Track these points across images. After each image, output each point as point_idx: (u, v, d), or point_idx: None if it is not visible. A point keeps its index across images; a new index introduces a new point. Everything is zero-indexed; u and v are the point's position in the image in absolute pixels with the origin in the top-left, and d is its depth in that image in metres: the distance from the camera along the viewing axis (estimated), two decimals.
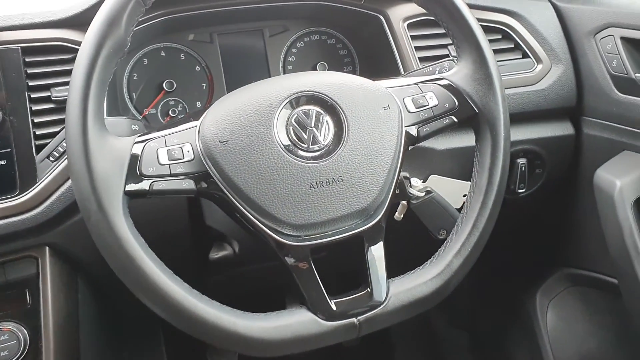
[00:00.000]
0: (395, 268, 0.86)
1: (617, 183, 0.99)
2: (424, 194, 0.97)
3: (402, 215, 0.99)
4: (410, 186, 0.97)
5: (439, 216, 0.97)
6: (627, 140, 1.05)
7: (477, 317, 1.62)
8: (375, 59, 1.17)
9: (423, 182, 1.02)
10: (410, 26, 1.11)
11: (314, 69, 1.17)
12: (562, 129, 1.15)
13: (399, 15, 1.11)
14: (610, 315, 1.21)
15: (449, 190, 1.05)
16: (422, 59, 1.10)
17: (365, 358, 1.71)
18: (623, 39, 1.02)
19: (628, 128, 1.04)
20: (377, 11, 1.12)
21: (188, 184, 0.74)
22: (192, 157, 0.74)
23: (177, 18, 1.08)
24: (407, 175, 0.98)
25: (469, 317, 1.64)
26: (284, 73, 1.17)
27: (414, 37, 1.11)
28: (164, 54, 1.12)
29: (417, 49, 1.10)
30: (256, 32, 1.17)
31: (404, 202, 0.98)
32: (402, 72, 1.10)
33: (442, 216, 0.97)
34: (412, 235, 1.00)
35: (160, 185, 0.73)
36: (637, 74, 1.00)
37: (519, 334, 1.42)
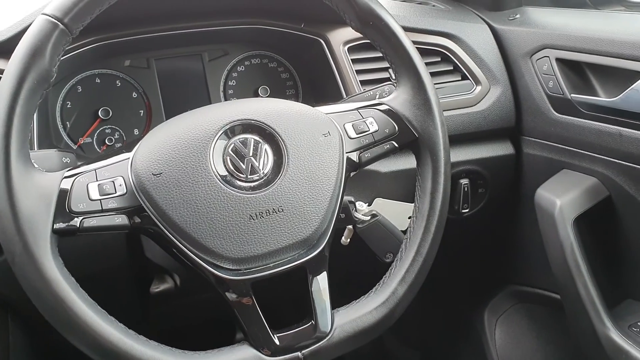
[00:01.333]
0: (345, 291, 0.84)
1: (557, 202, 1.01)
2: (369, 217, 0.95)
3: (348, 240, 0.98)
4: (356, 210, 0.95)
5: (385, 239, 0.96)
6: (566, 159, 1.07)
7: (428, 336, 1.62)
8: (318, 82, 1.17)
9: (368, 205, 1.01)
10: (351, 50, 1.11)
11: (256, 93, 1.16)
12: (502, 149, 1.17)
13: (340, 39, 1.11)
14: (556, 331, 1.23)
15: (395, 212, 1.05)
16: (363, 82, 1.10)
17: None
18: (558, 60, 1.04)
19: (566, 147, 1.06)
20: (317, 35, 1.11)
21: (121, 220, 0.71)
22: (125, 191, 0.71)
23: (112, 44, 1.05)
24: (352, 200, 0.97)
25: (421, 336, 1.64)
26: (225, 98, 1.15)
27: (355, 61, 1.11)
28: (98, 81, 1.09)
29: (359, 72, 1.10)
30: (195, 56, 1.15)
31: (350, 227, 0.97)
32: (345, 96, 1.09)
33: (388, 239, 0.96)
34: (360, 259, 0.99)
35: (92, 222, 0.69)
36: (572, 95, 1.02)
37: (469, 351, 1.42)
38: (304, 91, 1.19)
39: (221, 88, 1.15)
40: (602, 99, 0.98)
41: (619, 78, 0.95)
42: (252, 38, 1.16)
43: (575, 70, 1.03)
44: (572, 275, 0.98)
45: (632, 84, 0.92)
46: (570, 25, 1.05)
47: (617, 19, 1.12)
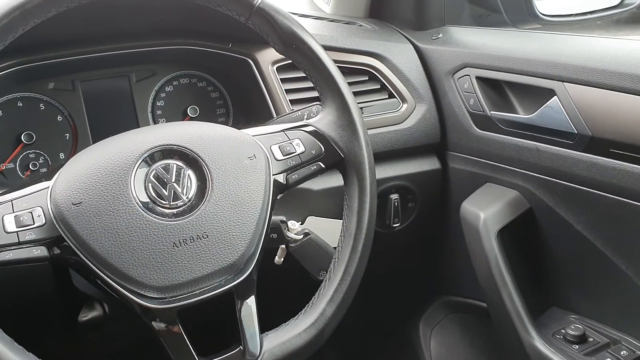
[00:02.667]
0: (279, 312, 0.84)
1: (481, 215, 1.04)
2: (301, 236, 0.96)
3: (282, 259, 0.98)
4: (288, 230, 0.96)
5: (318, 258, 0.97)
6: (489, 173, 1.11)
7: (368, 349, 1.63)
8: (248, 102, 1.17)
9: (301, 224, 1.01)
10: (280, 69, 1.12)
11: (185, 113, 1.15)
12: (429, 164, 1.20)
13: (268, 59, 1.11)
14: (488, 340, 1.26)
15: (327, 230, 1.05)
16: (293, 102, 1.11)
17: None
18: (478, 78, 1.08)
19: (488, 162, 1.10)
20: (246, 55, 1.12)
21: (40, 252, 0.69)
22: (44, 222, 0.70)
23: (34, 67, 1.02)
24: (284, 219, 0.97)
25: (361, 350, 1.65)
26: (153, 119, 1.14)
27: (284, 80, 1.11)
28: (21, 105, 1.06)
29: (288, 91, 1.11)
30: (122, 77, 1.13)
31: (283, 246, 0.97)
32: (275, 115, 1.10)
33: (321, 257, 0.97)
34: (294, 278, 1.00)
35: (7, 255, 0.68)
36: (492, 112, 1.06)
37: None
38: (235, 110, 1.19)
39: (149, 109, 1.14)
40: (520, 115, 1.02)
41: (535, 96, 0.99)
42: (180, 58, 1.15)
43: (494, 88, 1.07)
44: (497, 285, 1.01)
45: (547, 102, 0.96)
46: (488, 45, 1.10)
47: (533, 38, 1.17)
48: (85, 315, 0.98)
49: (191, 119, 1.14)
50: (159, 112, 1.14)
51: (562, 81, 0.93)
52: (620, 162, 0.87)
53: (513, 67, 1.02)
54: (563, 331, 1.01)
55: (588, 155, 0.91)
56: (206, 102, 1.18)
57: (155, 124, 1.13)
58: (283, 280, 1.08)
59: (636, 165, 0.85)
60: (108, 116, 1.12)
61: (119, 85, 1.13)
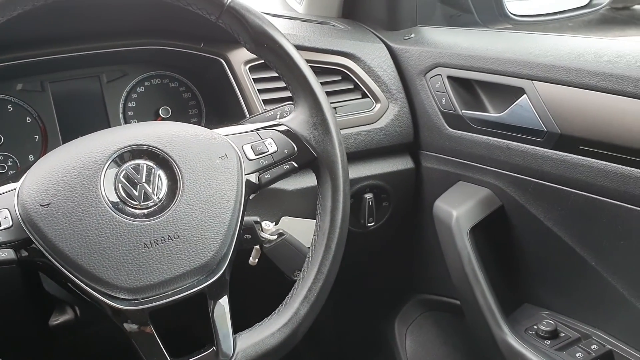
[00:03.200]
0: (253, 313, 0.84)
1: (454, 213, 1.05)
2: (276, 237, 0.96)
3: (256, 260, 0.98)
4: (262, 230, 0.96)
5: (292, 258, 0.97)
6: (461, 171, 1.12)
7: (346, 350, 1.64)
8: (221, 102, 1.16)
9: (275, 224, 1.01)
10: (252, 69, 1.11)
11: (157, 114, 1.14)
12: (403, 163, 1.20)
13: (240, 59, 1.11)
14: (462, 337, 1.27)
15: (302, 230, 1.05)
16: (266, 101, 1.10)
17: None
18: (449, 77, 1.09)
19: (460, 160, 1.11)
20: (218, 55, 1.11)
21: (7, 254, 0.68)
22: (11, 224, 0.69)
23: (1, 68, 1.00)
24: (258, 220, 0.97)
25: (339, 351, 1.65)
26: (124, 120, 1.12)
27: (256, 80, 1.11)
28: None
29: (261, 91, 1.11)
30: (92, 78, 1.12)
31: (257, 247, 0.96)
32: (248, 115, 1.09)
33: (295, 258, 0.97)
34: (269, 279, 0.99)
35: None
36: (463, 111, 1.07)
37: None
38: (208, 111, 1.19)
39: (120, 110, 1.13)
40: (490, 114, 1.03)
41: (505, 94, 1.00)
42: (151, 58, 1.14)
43: (466, 88, 1.08)
44: (470, 283, 1.02)
45: (516, 100, 0.97)
46: (459, 44, 1.11)
47: (503, 38, 1.18)
48: (57, 319, 0.96)
49: (163, 119, 1.14)
50: (130, 113, 1.13)
51: (532, 80, 0.94)
52: (588, 158, 0.89)
53: (483, 66, 1.03)
54: (535, 327, 1.02)
55: (557, 152, 0.93)
56: (178, 102, 1.17)
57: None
58: (258, 281, 1.08)
59: (604, 162, 0.87)
60: (78, 117, 1.10)
61: (89, 86, 1.11)
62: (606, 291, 0.95)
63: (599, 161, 0.87)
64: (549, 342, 1.00)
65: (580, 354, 0.96)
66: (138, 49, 1.10)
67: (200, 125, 0.85)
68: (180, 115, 1.16)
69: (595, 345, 0.98)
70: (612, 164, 0.86)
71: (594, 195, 0.90)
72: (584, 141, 0.89)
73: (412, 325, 1.38)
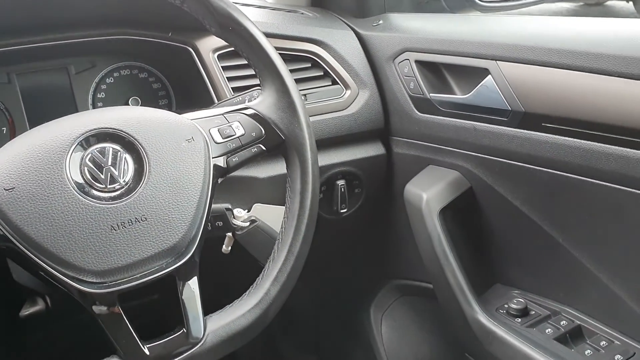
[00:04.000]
0: (227, 300, 0.84)
1: (424, 196, 1.06)
2: (248, 223, 0.96)
3: (229, 248, 0.98)
4: (234, 217, 0.96)
5: (265, 244, 0.96)
6: (431, 155, 1.13)
7: (322, 339, 1.64)
8: (190, 91, 1.16)
9: (247, 211, 1.01)
10: (221, 57, 1.11)
11: (127, 105, 1.13)
12: (374, 149, 1.21)
13: (209, 47, 1.11)
14: (436, 321, 1.29)
15: (274, 216, 1.05)
16: (235, 89, 1.10)
17: None
18: (417, 62, 1.10)
19: (430, 144, 1.12)
20: (186, 43, 1.11)
21: None
22: None
23: None
24: (229, 207, 0.97)
25: (315, 340, 1.66)
26: None
27: (225, 68, 1.11)
28: None
29: (230, 79, 1.11)
30: (60, 69, 1.11)
31: (230, 234, 0.97)
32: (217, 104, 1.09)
33: (268, 244, 0.96)
34: (243, 266, 1.00)
35: None
36: (431, 94, 1.08)
37: (358, 349, 1.46)
38: (177, 100, 1.18)
39: (90, 101, 1.12)
40: (457, 96, 1.05)
41: (470, 76, 1.02)
42: (120, 49, 1.14)
43: (433, 71, 1.10)
44: (441, 264, 1.03)
45: (481, 81, 0.99)
46: (426, 29, 1.12)
47: (468, 21, 1.20)
48: (27, 310, 0.96)
49: None
50: (100, 104, 1.13)
51: (496, 60, 0.96)
52: (552, 135, 0.90)
53: (449, 49, 1.04)
54: (506, 306, 1.04)
55: (522, 131, 0.94)
56: (148, 92, 1.16)
57: None
58: (232, 269, 1.08)
59: (567, 138, 0.88)
60: (47, 110, 1.09)
61: (57, 77, 1.11)
62: (574, 268, 0.96)
63: (562, 137, 0.89)
64: (519, 320, 1.01)
65: (549, 330, 0.98)
66: (106, 39, 1.10)
67: None
68: (150, 105, 1.13)
69: (564, 321, 0.99)
70: (576, 140, 0.87)
71: (558, 172, 0.91)
72: (547, 118, 0.90)
73: (388, 311, 1.39)
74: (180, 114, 0.84)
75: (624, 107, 0.81)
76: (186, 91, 1.17)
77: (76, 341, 1.16)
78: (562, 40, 0.89)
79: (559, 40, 0.89)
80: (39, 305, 0.96)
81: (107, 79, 1.14)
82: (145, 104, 1.14)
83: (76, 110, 1.11)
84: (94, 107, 1.12)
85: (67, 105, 1.11)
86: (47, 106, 1.09)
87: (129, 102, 1.13)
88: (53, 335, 1.11)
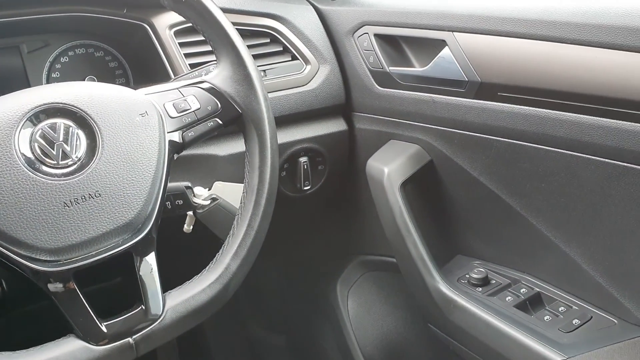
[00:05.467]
0: (188, 276, 0.83)
1: (385, 170, 1.07)
2: (209, 202, 0.95)
3: (191, 227, 0.97)
4: (195, 196, 0.95)
5: (227, 222, 0.95)
6: (392, 130, 1.13)
7: (290, 318, 1.65)
8: (148, 69, 1.14)
9: (208, 190, 1.00)
10: (178, 33, 1.10)
11: None
12: (336, 125, 1.21)
13: (165, 23, 1.09)
14: (401, 294, 1.30)
15: (236, 194, 1.04)
16: (193, 66, 1.08)
17: None
18: (376, 35, 1.10)
19: (391, 119, 1.13)
20: (142, 20, 1.09)
21: None
22: None
23: None
24: (189, 185, 0.96)
25: (284, 319, 1.67)
26: None
27: (182, 44, 1.10)
28: None
29: (187, 55, 1.09)
30: (12, 49, 1.08)
31: (191, 213, 0.96)
32: None
33: (230, 222, 0.95)
34: (205, 244, 0.99)
35: None
36: (390, 68, 1.08)
37: (326, 326, 1.47)
38: (135, 79, 1.16)
39: (44, 82, 1.09)
40: (416, 69, 1.05)
41: (428, 48, 1.02)
42: (74, 27, 1.11)
43: (391, 44, 1.10)
44: (403, 237, 1.04)
45: (439, 53, 0.99)
46: (384, 2, 1.12)
47: None
48: None
49: None
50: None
51: (452, 31, 0.96)
52: (508, 104, 0.91)
53: (407, 21, 1.04)
54: (467, 276, 1.05)
55: (479, 101, 0.95)
56: (104, 71, 1.14)
57: None
58: (194, 248, 1.07)
59: (522, 107, 0.90)
60: None
61: (9, 57, 1.08)
62: (532, 236, 0.98)
63: (517, 106, 0.90)
64: (480, 289, 1.03)
65: (510, 297, 1.00)
66: (59, 16, 1.07)
67: None
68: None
69: (524, 289, 1.01)
70: (531, 108, 0.89)
71: (515, 141, 0.92)
72: (503, 87, 0.91)
73: (354, 287, 1.40)
74: (135, 89, 0.82)
75: (577, 74, 0.82)
76: (143, 69, 1.16)
77: (36, 326, 1.14)
78: (516, 9, 0.89)
79: (513, 9, 0.90)
80: None
81: (62, 58, 1.11)
82: (101, 82, 1.12)
83: None
84: None
85: (20, 86, 1.05)
86: None
87: (85, 81, 1.11)
88: (13, 320, 1.09)
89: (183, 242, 0.98)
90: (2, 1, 1.02)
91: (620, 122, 0.79)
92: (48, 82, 1.10)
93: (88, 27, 1.11)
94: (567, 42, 0.82)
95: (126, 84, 1.16)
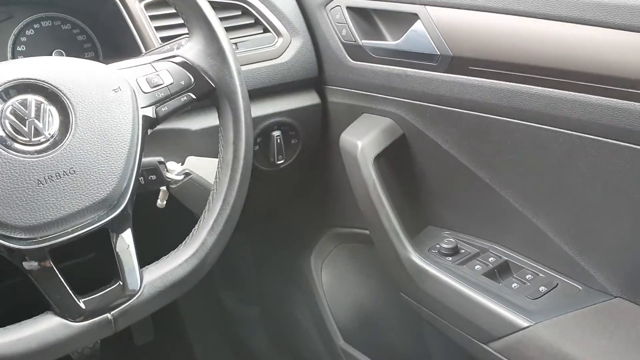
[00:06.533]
0: (164, 250, 0.84)
1: (359, 144, 1.08)
2: (182, 177, 0.96)
3: (164, 202, 0.97)
4: (167, 171, 0.95)
5: (200, 197, 0.96)
6: (365, 103, 1.14)
7: (264, 290, 1.67)
8: (117, 42, 1.13)
9: (181, 165, 1.00)
10: (148, 6, 1.08)
11: None
12: (309, 99, 1.21)
13: None
14: (374, 265, 1.33)
15: (209, 169, 1.04)
16: (164, 39, 1.07)
17: (161, 349, 1.69)
18: (348, 8, 1.10)
19: (363, 92, 1.13)
20: None
21: None
22: None
23: None
24: (162, 160, 0.96)
25: (257, 291, 1.69)
26: None
27: (153, 17, 1.08)
28: None
29: (158, 29, 1.08)
30: None
31: (164, 188, 0.96)
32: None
33: (204, 197, 0.96)
34: (179, 219, 0.99)
35: None
36: (363, 41, 1.09)
37: (300, 298, 1.49)
38: (105, 52, 1.15)
39: (9, 55, 1.07)
40: (388, 42, 1.06)
41: (400, 21, 1.02)
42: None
43: (364, 17, 1.10)
44: (376, 209, 1.06)
45: (411, 26, 1.00)
46: None
47: None
48: None
49: None
50: (20, 57, 1.08)
51: (424, 5, 0.97)
52: (478, 78, 0.93)
53: None
54: (438, 246, 1.08)
55: (450, 75, 0.96)
56: (72, 45, 1.13)
57: None
58: (168, 223, 1.07)
59: (493, 80, 0.91)
60: None
61: None
62: (501, 206, 1.01)
63: (488, 80, 0.91)
64: (450, 258, 1.06)
65: (478, 266, 1.03)
66: None
67: None
68: (75, 57, 1.12)
69: (492, 258, 1.04)
70: (501, 82, 0.90)
71: (485, 114, 0.94)
72: (474, 61, 0.92)
73: (327, 258, 1.42)
74: (107, 64, 0.82)
75: (546, 48, 0.84)
76: (113, 42, 1.14)
77: (10, 302, 1.14)
78: None
79: None
80: None
81: (27, 31, 1.09)
82: (70, 56, 1.10)
83: None
84: None
85: None
86: None
87: (52, 54, 1.09)
88: None
89: (155, 217, 0.98)
90: None
91: (586, 95, 0.81)
92: (13, 56, 1.08)
93: None
94: (537, 16, 0.83)
95: (95, 57, 1.14)
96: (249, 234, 1.56)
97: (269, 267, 1.61)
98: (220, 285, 1.69)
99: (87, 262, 0.86)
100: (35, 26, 1.10)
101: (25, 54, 1.08)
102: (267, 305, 1.66)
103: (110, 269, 0.77)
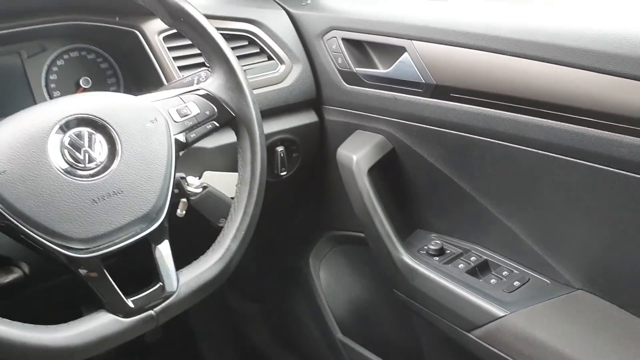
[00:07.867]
0: (186, 257, 0.96)
1: (354, 157, 1.19)
2: (200, 189, 1.06)
3: (184, 212, 1.07)
4: (188, 184, 1.05)
5: (217, 207, 1.07)
6: (358, 122, 1.26)
7: (265, 288, 1.77)
8: (138, 70, 1.23)
9: (199, 179, 1.11)
10: (167, 38, 1.19)
11: (78, 85, 1.19)
12: (308, 117, 1.34)
13: (154, 29, 1.18)
14: (367, 265, 1.43)
15: (223, 182, 1.15)
16: (182, 68, 1.19)
17: (169, 346, 1.78)
18: (344, 39, 1.22)
19: (357, 112, 1.25)
20: (132, 27, 1.18)
21: None
22: None
23: None
24: (183, 175, 1.06)
25: (259, 289, 1.79)
26: (48, 92, 1.18)
27: (171, 49, 1.19)
28: None
29: (176, 59, 1.19)
30: (13, 54, 1.16)
31: (184, 200, 1.06)
32: (164, 82, 1.18)
33: (220, 206, 1.07)
34: (197, 227, 1.11)
35: None
36: (357, 68, 1.21)
37: (300, 296, 1.59)
38: (125, 79, 1.25)
39: (43, 83, 1.17)
40: (379, 70, 1.18)
41: (390, 53, 1.15)
42: (68, 33, 1.19)
43: (358, 48, 1.22)
44: (371, 215, 1.18)
45: (399, 57, 1.12)
46: (351, 10, 1.24)
47: (388, 4, 1.30)
48: (5, 278, 1.03)
49: (84, 89, 1.19)
50: (52, 85, 1.18)
51: (411, 39, 1.09)
52: (458, 104, 1.05)
53: (371, 28, 1.16)
54: (426, 247, 1.18)
55: (434, 100, 1.08)
56: (97, 73, 1.23)
57: (50, 97, 1.18)
58: (187, 231, 1.19)
59: (471, 106, 1.03)
60: (3, 91, 1.14)
61: (11, 62, 1.15)
62: (480, 213, 1.12)
63: (467, 105, 1.04)
64: (437, 258, 1.16)
65: (462, 265, 1.14)
66: (54, 25, 1.14)
67: (119, 92, 0.93)
68: (99, 84, 1.22)
69: (474, 257, 1.15)
70: (478, 107, 1.02)
71: (465, 134, 1.06)
72: (455, 89, 1.05)
73: (325, 259, 1.52)
74: (136, 94, 0.93)
75: (514, 80, 0.96)
76: (133, 70, 1.24)
77: (48, 304, 1.24)
78: (467, 24, 1.03)
79: (464, 24, 1.03)
80: (16, 274, 1.04)
81: (58, 61, 1.19)
82: (95, 83, 1.21)
83: (31, 92, 1.16)
84: (47, 88, 1.18)
85: (22, 88, 1.16)
86: (3, 88, 1.14)
87: (80, 82, 1.20)
88: (24, 300, 1.18)
89: (175, 224, 1.10)
90: (5, 14, 1.10)
91: (549, 121, 0.93)
92: (47, 82, 1.17)
93: (82, 33, 1.19)
94: (507, 54, 0.96)
95: (117, 83, 1.25)
96: (253, 237, 1.66)
97: (271, 267, 1.70)
98: (225, 284, 1.78)
99: (128, 266, 0.96)
100: (65, 57, 1.20)
101: (57, 82, 1.19)
102: (268, 301, 1.75)
103: (149, 272, 0.89)
